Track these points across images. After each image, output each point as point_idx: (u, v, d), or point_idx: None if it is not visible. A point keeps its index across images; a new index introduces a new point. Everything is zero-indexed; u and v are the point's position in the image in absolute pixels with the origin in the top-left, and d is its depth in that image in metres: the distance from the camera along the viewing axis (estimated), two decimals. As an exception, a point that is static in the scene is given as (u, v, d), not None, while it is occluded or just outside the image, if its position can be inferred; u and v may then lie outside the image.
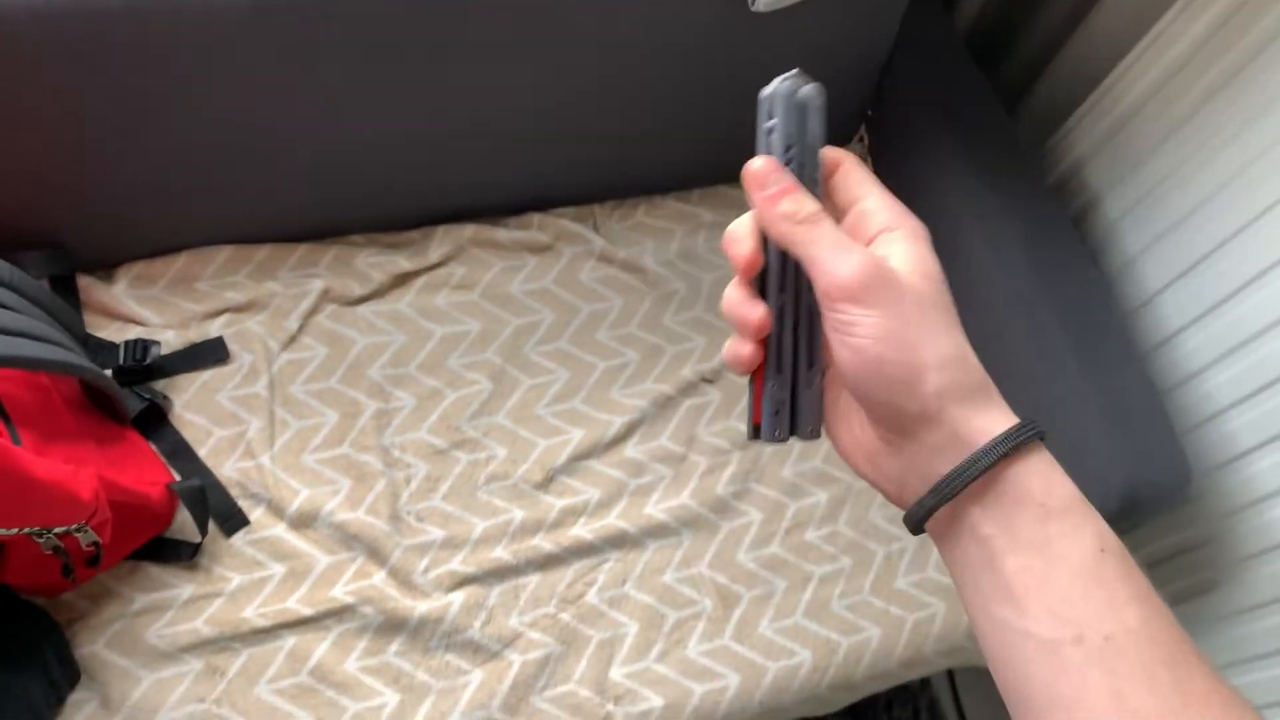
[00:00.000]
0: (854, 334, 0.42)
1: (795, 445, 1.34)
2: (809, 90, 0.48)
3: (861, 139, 1.53)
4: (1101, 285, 1.32)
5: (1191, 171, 1.26)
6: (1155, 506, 1.22)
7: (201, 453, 1.18)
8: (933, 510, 0.44)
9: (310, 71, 1.11)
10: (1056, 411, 1.26)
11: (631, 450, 1.29)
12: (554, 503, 1.24)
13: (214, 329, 1.25)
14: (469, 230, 1.36)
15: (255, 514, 1.17)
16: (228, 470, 1.18)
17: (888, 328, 0.42)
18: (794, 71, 0.48)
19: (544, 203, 1.42)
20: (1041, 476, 0.42)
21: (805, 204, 0.45)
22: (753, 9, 1.20)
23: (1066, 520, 0.41)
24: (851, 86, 1.43)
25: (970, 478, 0.42)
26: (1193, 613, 1.41)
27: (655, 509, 1.25)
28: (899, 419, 0.43)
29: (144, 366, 1.17)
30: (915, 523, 0.45)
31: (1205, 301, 1.28)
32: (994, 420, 0.43)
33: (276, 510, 1.17)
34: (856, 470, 0.48)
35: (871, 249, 0.45)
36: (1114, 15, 1.33)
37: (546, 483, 1.25)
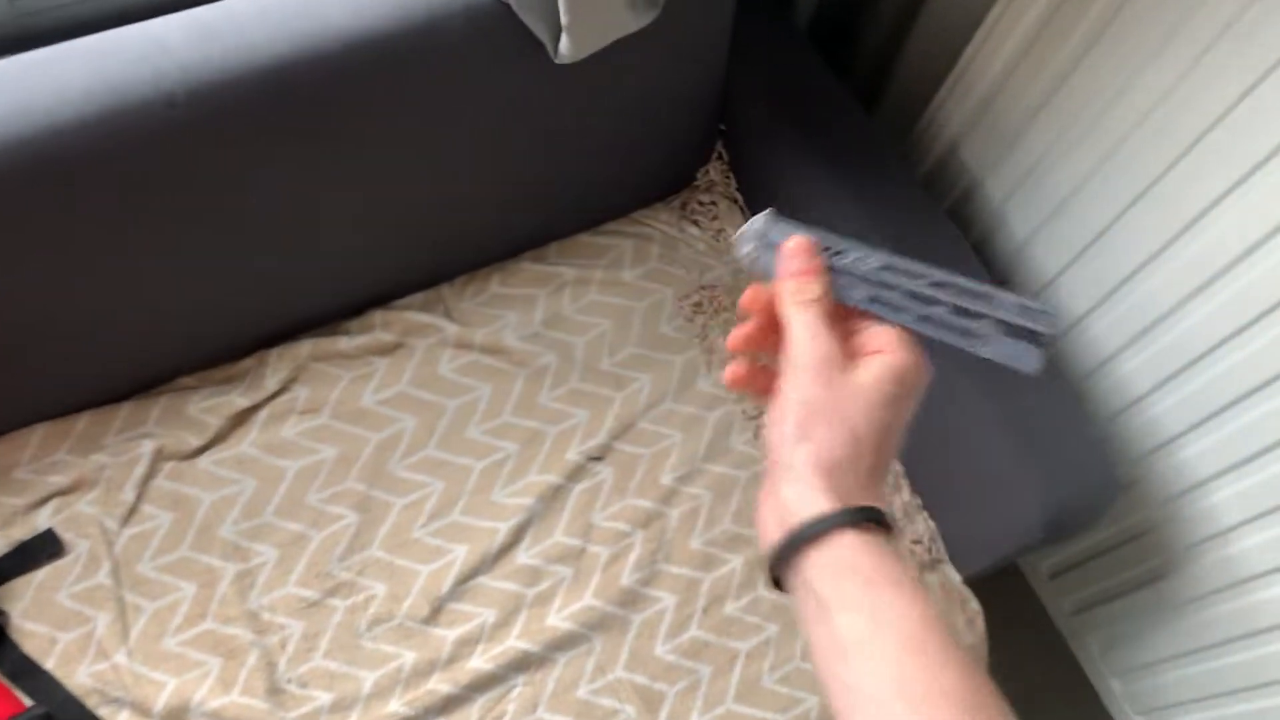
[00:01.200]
0: (782, 390, 0.50)
1: (703, 511, 1.24)
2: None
3: (720, 155, 1.41)
4: (988, 278, 1.21)
5: (1069, 145, 1.16)
6: (1082, 521, 1.13)
7: (48, 665, 1.08)
8: (775, 562, 0.48)
9: (81, 228, 0.99)
10: (961, 437, 1.17)
11: (524, 556, 1.19)
12: (446, 635, 1.14)
13: (42, 520, 1.14)
14: (306, 346, 1.25)
15: (119, 719, 1.07)
16: (81, 678, 1.08)
17: (812, 394, 0.49)
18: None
19: (386, 296, 1.30)
20: (874, 555, 0.46)
21: (810, 290, 0.52)
22: (557, 61, 1.08)
23: (894, 591, 0.45)
24: (695, 106, 1.31)
25: (802, 539, 0.47)
26: (1145, 602, 1.33)
27: (558, 618, 1.16)
28: (774, 464, 0.49)
29: (-36, 588, 1.06)
30: (768, 572, 0.50)
31: (1106, 282, 1.18)
32: (851, 500, 0.48)
33: (142, 710, 1.07)
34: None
35: (855, 353, 0.51)
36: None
37: (435, 615, 1.15)
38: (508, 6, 1.03)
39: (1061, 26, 1.11)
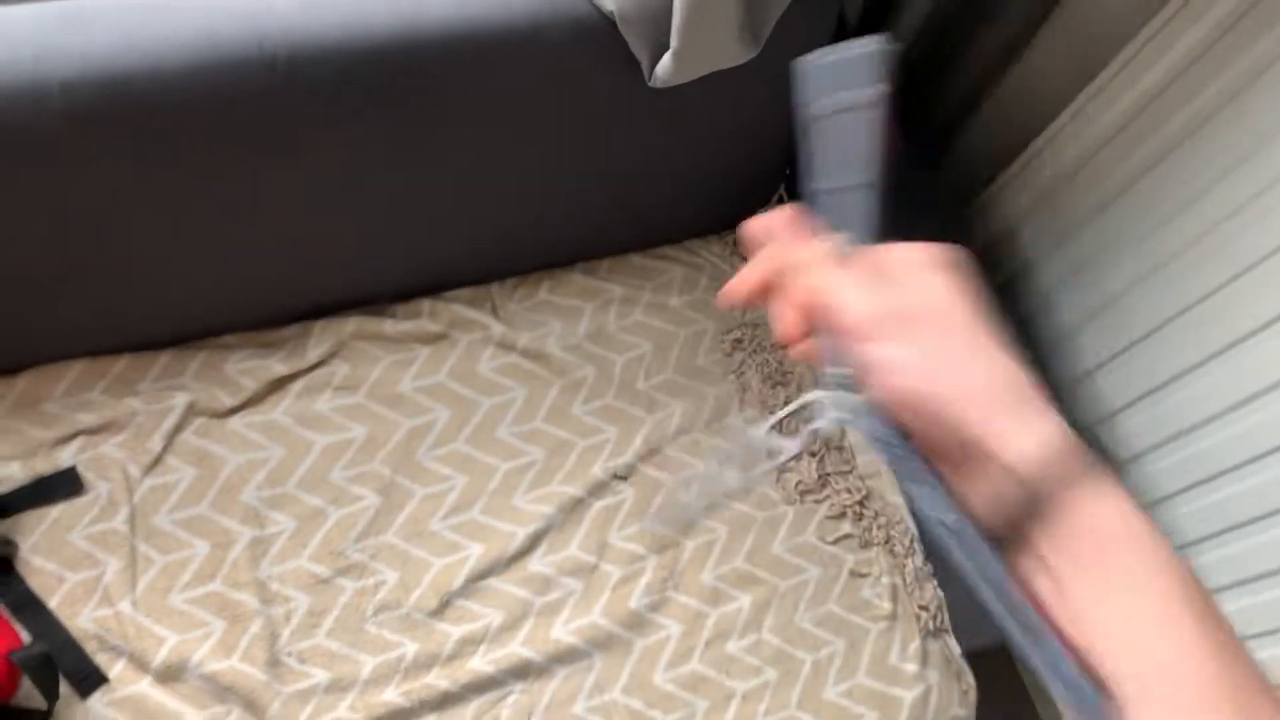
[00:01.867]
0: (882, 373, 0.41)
1: (717, 545, 1.24)
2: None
3: (781, 198, 1.43)
4: (1030, 361, 1.23)
5: (1130, 244, 1.17)
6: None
7: (52, 603, 1.07)
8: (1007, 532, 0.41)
9: (158, 172, 0.99)
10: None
11: (537, 564, 1.19)
12: (450, 632, 1.14)
13: (65, 457, 1.12)
14: (351, 323, 1.24)
15: (115, 669, 1.06)
16: (83, 621, 1.07)
17: (917, 362, 0.41)
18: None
19: (436, 286, 1.30)
20: (1104, 502, 0.39)
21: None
22: (650, 84, 1.09)
23: (1129, 546, 0.39)
24: (767, 146, 1.32)
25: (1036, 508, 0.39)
26: None
27: (563, 630, 1.16)
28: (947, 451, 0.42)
29: (-19, 513, 1.05)
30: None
31: (1146, 383, 1.20)
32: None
33: (139, 663, 1.06)
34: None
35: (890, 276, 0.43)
36: (1048, 69, 1.23)
37: (442, 609, 1.15)
38: (611, 21, 1.04)
39: (1141, 130, 1.13)
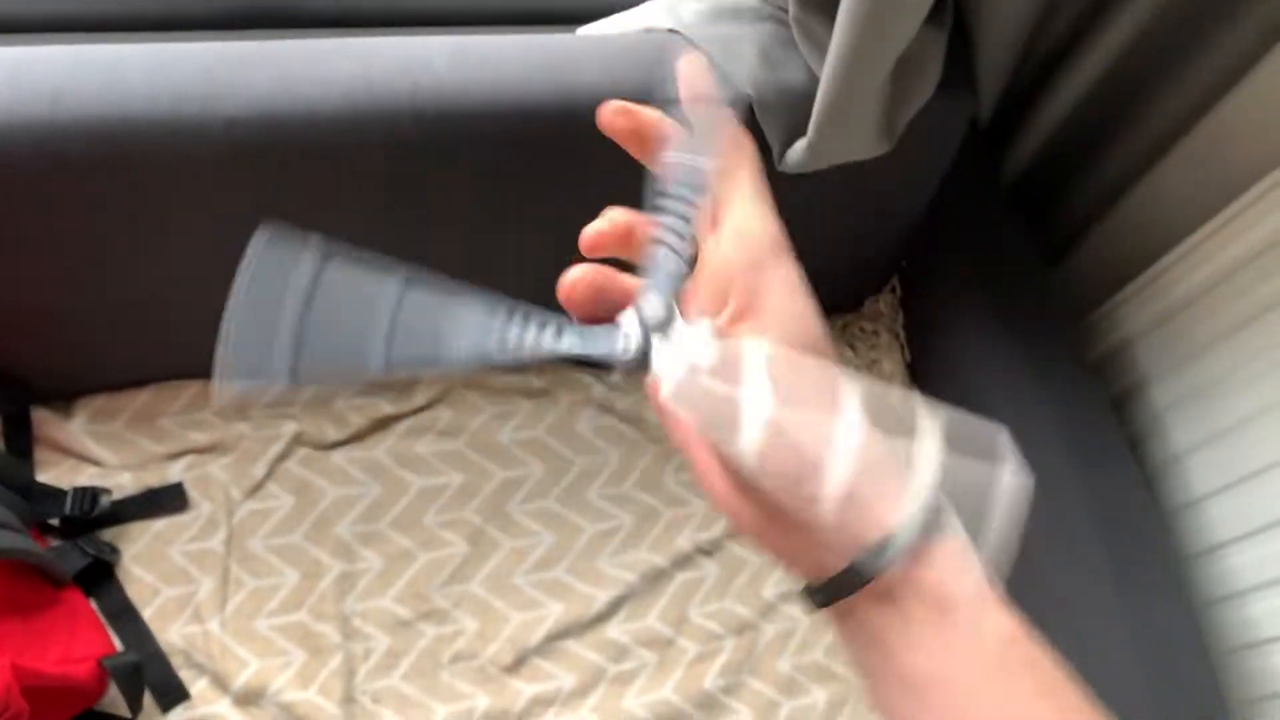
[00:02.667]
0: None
1: (798, 633, 1.23)
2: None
3: (894, 290, 1.42)
4: (1142, 486, 1.19)
5: (1251, 377, 1.14)
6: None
7: (147, 614, 1.10)
8: (824, 604, 0.38)
9: (300, 208, 1.02)
10: (1084, 629, 1.14)
11: (614, 630, 1.19)
12: (522, 689, 1.14)
13: (174, 473, 1.16)
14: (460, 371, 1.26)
15: (197, 687, 1.08)
16: (172, 635, 1.09)
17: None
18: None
19: (544, 342, 1.32)
20: (939, 569, 0.36)
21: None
22: (779, 169, 1.10)
23: (968, 611, 0.36)
24: (886, 236, 1.32)
25: (864, 581, 0.36)
26: None
27: (634, 702, 1.15)
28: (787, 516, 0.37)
29: (91, 519, 1.09)
30: (812, 607, 0.39)
31: (1255, 520, 1.15)
32: (889, 504, 0.36)
33: (221, 684, 1.08)
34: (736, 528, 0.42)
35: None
36: (1182, 186, 1.21)
37: (517, 665, 1.15)
38: (749, 106, 1.05)
39: (1273, 261, 1.10)
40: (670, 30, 1.07)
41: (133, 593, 1.10)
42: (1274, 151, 1.07)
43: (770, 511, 0.38)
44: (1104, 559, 1.13)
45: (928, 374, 1.40)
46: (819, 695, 1.19)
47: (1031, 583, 1.22)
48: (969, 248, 1.33)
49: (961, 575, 0.36)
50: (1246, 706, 1.19)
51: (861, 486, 0.36)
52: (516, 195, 1.09)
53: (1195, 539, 1.24)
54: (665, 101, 0.45)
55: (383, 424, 1.23)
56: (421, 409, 1.24)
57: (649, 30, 1.09)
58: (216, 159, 0.93)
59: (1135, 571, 1.14)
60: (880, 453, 0.37)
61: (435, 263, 1.13)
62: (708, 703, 1.16)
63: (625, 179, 1.09)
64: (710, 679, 1.18)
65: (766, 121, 1.06)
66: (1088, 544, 1.15)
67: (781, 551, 0.40)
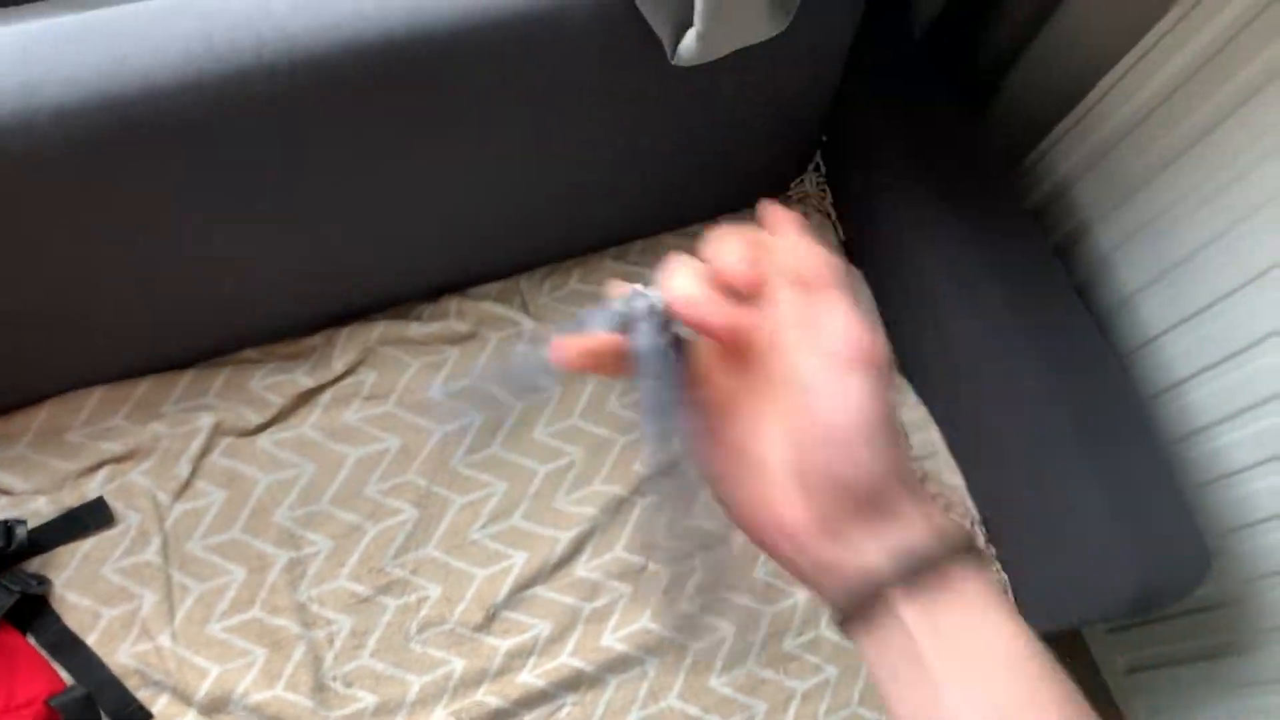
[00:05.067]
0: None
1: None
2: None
3: (818, 167, 1.35)
4: (1091, 330, 1.16)
5: (1194, 206, 1.10)
6: (1171, 598, 1.09)
7: (91, 640, 1.04)
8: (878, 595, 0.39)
9: (162, 192, 0.94)
10: (1048, 491, 1.12)
11: (583, 569, 1.15)
12: (498, 645, 1.10)
13: (93, 488, 1.09)
14: (377, 329, 1.20)
15: (159, 705, 1.03)
16: (123, 657, 1.04)
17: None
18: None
19: (462, 283, 1.25)
20: (971, 577, 0.39)
21: None
22: (674, 62, 1.02)
23: (992, 615, 0.39)
24: (802, 115, 1.25)
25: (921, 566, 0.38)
26: (1206, 676, 1.29)
27: (613, 638, 1.12)
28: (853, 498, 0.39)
29: (10, 553, 1.02)
30: (860, 602, 0.40)
31: (1213, 353, 1.13)
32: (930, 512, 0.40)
33: (183, 697, 1.03)
34: (771, 550, 0.43)
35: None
36: (1099, 17, 1.14)
37: (488, 622, 1.11)
38: (631, 2, 0.97)
39: (1204, 85, 1.04)
40: (532, -69, 0.97)
41: (72, 621, 1.05)
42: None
43: (830, 518, 0.39)
44: (1063, 409, 1.10)
45: (863, 250, 1.34)
46: (798, 597, 1.17)
47: (992, 443, 1.20)
48: (890, 110, 1.26)
49: (985, 585, 0.39)
50: (1219, 538, 1.18)
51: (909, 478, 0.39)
52: (395, 136, 1.00)
53: (1154, 378, 1.21)
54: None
55: (305, 399, 1.16)
56: (343, 376, 1.18)
57: (509, -65, 0.99)
58: (50, 154, 0.84)
59: (1096, 417, 1.11)
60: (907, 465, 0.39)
61: (328, 224, 1.06)
62: (687, 625, 1.14)
63: (504, 101, 1.02)
64: (686, 600, 1.14)
65: (651, 13, 0.97)
66: (1045, 397, 1.11)
67: (827, 557, 0.40)
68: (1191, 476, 1.20)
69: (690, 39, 0.98)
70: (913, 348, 1.27)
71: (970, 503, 1.23)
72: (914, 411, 1.27)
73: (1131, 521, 1.06)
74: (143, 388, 1.13)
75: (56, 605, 1.05)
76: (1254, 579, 1.17)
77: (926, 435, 1.26)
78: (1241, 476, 1.14)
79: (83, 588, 1.06)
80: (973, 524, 1.22)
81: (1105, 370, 1.14)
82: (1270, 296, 1.03)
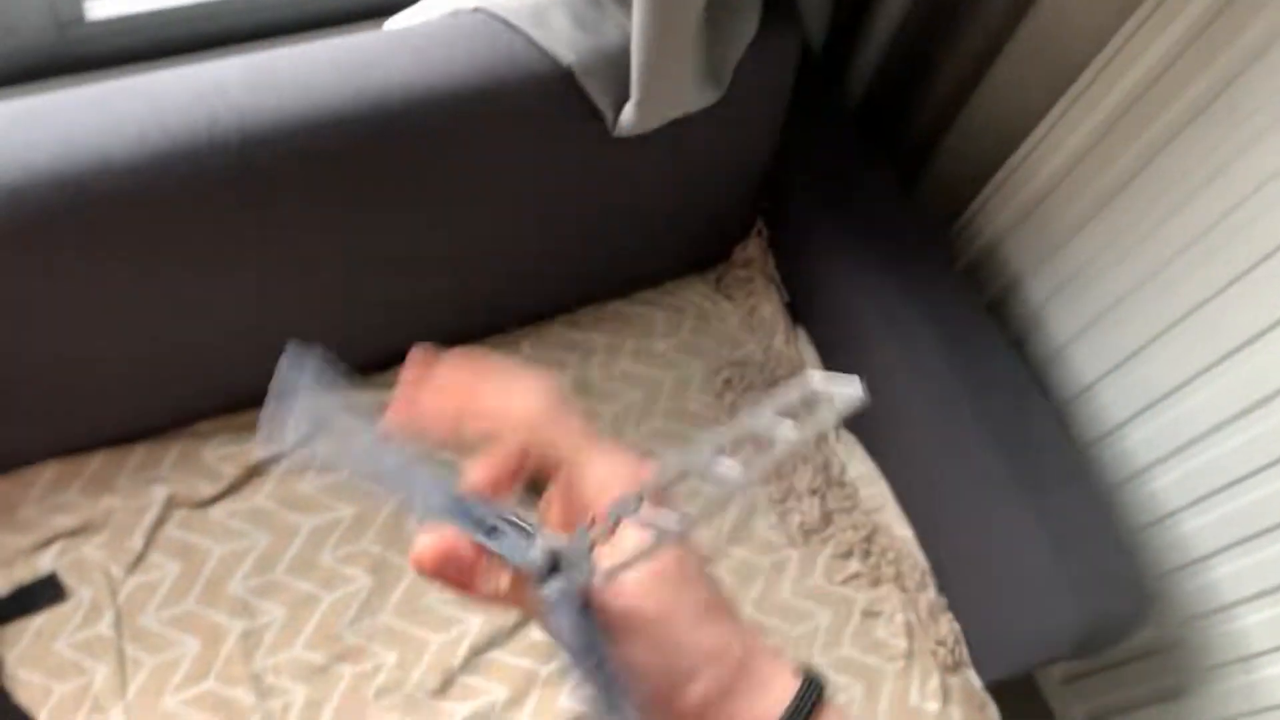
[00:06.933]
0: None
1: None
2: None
3: (760, 233, 1.40)
4: (1027, 381, 1.20)
5: (1120, 255, 1.15)
6: (1114, 636, 1.11)
7: (42, 717, 1.03)
8: None
9: (115, 269, 0.96)
10: (993, 538, 1.15)
11: (539, 632, 1.15)
12: (455, 709, 1.10)
13: (45, 562, 1.09)
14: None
15: (111, 782, 1.02)
16: (74, 733, 1.03)
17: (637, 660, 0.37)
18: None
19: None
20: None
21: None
22: (615, 134, 1.07)
23: None
24: (742, 181, 1.30)
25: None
26: (1160, 718, 1.31)
27: (571, 700, 1.12)
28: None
29: (-40, 630, 1.02)
30: None
31: (1145, 396, 1.17)
32: (768, 702, 0.39)
33: (136, 773, 1.02)
34: None
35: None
36: (1020, 81, 1.21)
37: (445, 688, 1.11)
38: (571, 75, 1.01)
39: (1120, 138, 1.11)
40: (476, 10, 1.02)
41: (24, 698, 1.04)
42: (1099, 34, 1.07)
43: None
44: (1002, 460, 1.14)
45: (806, 311, 1.38)
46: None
47: (937, 493, 1.23)
48: (825, 179, 1.32)
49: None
50: (1160, 579, 1.21)
51: (724, 688, 0.38)
52: (346, 211, 1.03)
53: (1091, 424, 1.25)
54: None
55: (258, 469, 1.17)
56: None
57: (456, 13, 1.04)
58: (4, 234, 0.86)
59: (1034, 467, 1.15)
60: (737, 642, 0.39)
61: (276, 295, 1.08)
62: None
63: (450, 172, 1.05)
64: None
65: (592, 87, 1.02)
66: (983, 448, 1.15)
67: None
68: (1131, 519, 1.23)
69: (629, 110, 1.03)
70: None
71: (920, 553, 1.25)
72: (862, 466, 1.30)
73: (1073, 564, 1.09)
74: (96, 462, 1.14)
75: (8, 683, 1.04)
76: (1195, 618, 1.20)
77: (876, 489, 1.29)
78: (1178, 517, 1.18)
79: (34, 663, 1.05)
80: (923, 575, 1.24)
81: (1043, 419, 1.18)
82: (1196, 337, 1.08)
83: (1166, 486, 1.18)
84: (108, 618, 1.07)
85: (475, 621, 1.14)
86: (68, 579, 1.09)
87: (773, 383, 1.34)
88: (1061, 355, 1.26)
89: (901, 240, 1.28)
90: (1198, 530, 1.16)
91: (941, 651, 1.20)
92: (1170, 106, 1.04)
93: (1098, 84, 1.10)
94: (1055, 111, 1.17)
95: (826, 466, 1.29)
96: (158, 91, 0.92)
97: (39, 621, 1.07)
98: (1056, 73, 1.15)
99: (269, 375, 1.24)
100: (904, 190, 1.31)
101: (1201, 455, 1.12)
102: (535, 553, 0.37)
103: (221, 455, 1.17)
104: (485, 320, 1.30)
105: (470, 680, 1.12)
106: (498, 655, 1.14)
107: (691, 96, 1.03)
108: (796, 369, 1.36)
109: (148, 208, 0.92)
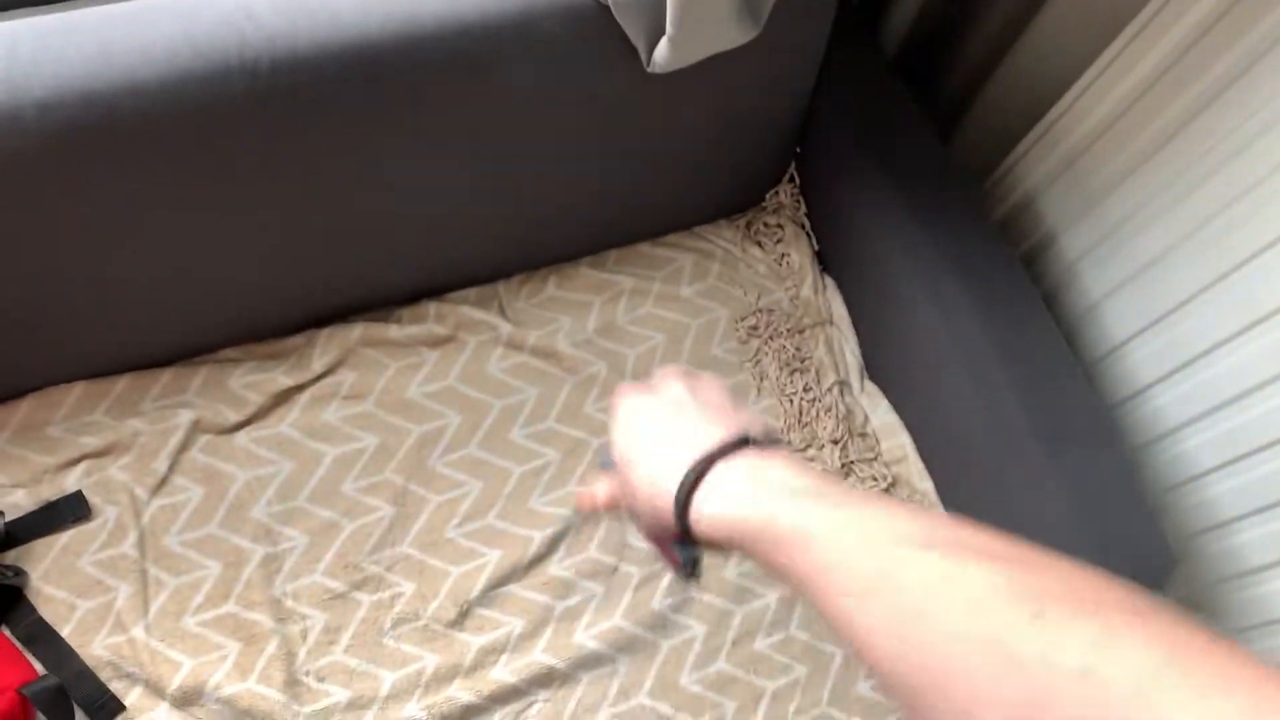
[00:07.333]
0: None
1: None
2: None
3: (792, 178, 1.38)
4: (1057, 338, 1.18)
5: (1158, 212, 1.12)
6: (1134, 597, 1.10)
7: (65, 631, 1.05)
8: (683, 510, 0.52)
9: (144, 190, 0.96)
10: (1016, 493, 1.14)
11: (556, 568, 1.16)
12: (471, 642, 1.11)
13: (71, 482, 1.10)
14: (356, 330, 1.22)
15: (131, 697, 1.04)
16: (97, 649, 1.05)
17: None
18: None
19: (441, 288, 1.27)
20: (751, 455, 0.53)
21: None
22: (649, 70, 1.05)
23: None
24: (776, 127, 1.28)
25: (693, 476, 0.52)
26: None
27: (585, 636, 1.13)
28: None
29: (-13, 544, 1.03)
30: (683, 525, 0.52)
31: (1179, 356, 1.15)
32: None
33: (156, 689, 1.04)
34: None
35: None
36: (1063, 32, 1.17)
37: (461, 619, 1.12)
38: (606, 9, 1.00)
39: (1163, 93, 1.07)
40: (510, -61, 1.00)
41: (47, 612, 1.06)
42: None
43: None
44: (1029, 415, 1.12)
45: (836, 260, 1.37)
46: (770, 596, 1.18)
47: (959, 448, 1.22)
48: (860, 126, 1.29)
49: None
50: (1186, 541, 1.20)
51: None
52: (372, 139, 1.03)
53: (1121, 384, 1.23)
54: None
55: (283, 397, 1.18)
56: (322, 375, 1.20)
57: (488, -57, 1.02)
58: (34, 150, 0.86)
59: (1062, 423, 1.13)
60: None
61: (306, 225, 1.08)
62: (659, 623, 1.15)
63: (479, 106, 1.04)
64: (658, 599, 1.16)
65: (627, 22, 1.00)
66: (1011, 406, 1.13)
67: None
68: (1157, 481, 1.22)
69: (664, 46, 1.01)
70: (883, 354, 1.29)
71: (941, 507, 1.24)
72: (885, 417, 1.29)
73: (1096, 523, 1.08)
74: (122, 384, 1.15)
75: (32, 597, 1.06)
76: (1219, 582, 1.19)
77: (897, 440, 1.28)
78: (1205, 480, 1.16)
79: (59, 580, 1.07)
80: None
81: (1071, 376, 1.17)
82: (1234, 297, 1.06)
83: (1197, 447, 1.16)
84: (131, 538, 1.09)
85: (494, 555, 1.15)
86: (93, 499, 1.10)
87: (799, 331, 1.33)
88: (1093, 313, 1.24)
89: (936, 192, 1.25)
90: (1226, 493, 1.14)
91: (958, 605, 1.20)
92: (1216, 62, 1.01)
93: (1142, 37, 1.07)
94: (1097, 65, 1.14)
95: (849, 417, 1.28)
96: (188, 12, 0.91)
97: (64, 539, 1.09)
98: (1100, 25, 1.11)
99: (295, 304, 1.25)
100: (939, 142, 1.28)
101: (1235, 418, 1.10)
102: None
103: (247, 383, 1.17)
104: (511, 256, 1.29)
105: (487, 613, 1.13)
106: (515, 589, 1.15)
107: (728, 33, 1.01)
108: (824, 318, 1.34)
109: (175, 129, 0.92)
